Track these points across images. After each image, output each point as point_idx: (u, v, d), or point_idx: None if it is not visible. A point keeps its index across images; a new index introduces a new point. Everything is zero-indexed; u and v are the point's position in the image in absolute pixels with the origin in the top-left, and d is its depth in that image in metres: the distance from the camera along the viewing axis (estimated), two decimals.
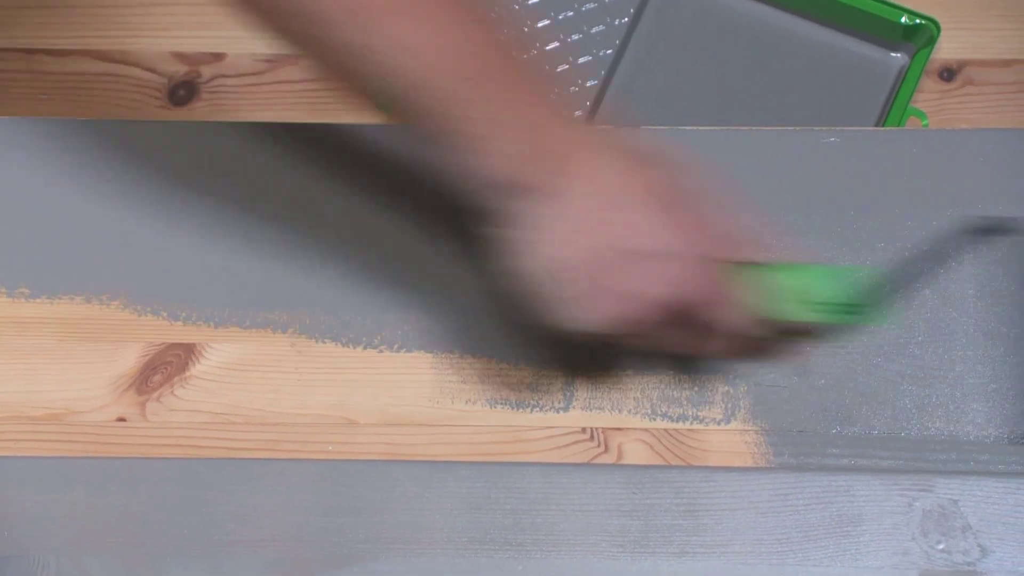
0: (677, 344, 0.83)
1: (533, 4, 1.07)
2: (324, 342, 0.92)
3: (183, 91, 1.06)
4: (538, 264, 0.79)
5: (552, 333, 0.81)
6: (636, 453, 0.89)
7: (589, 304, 0.79)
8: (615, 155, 0.78)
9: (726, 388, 0.90)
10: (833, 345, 0.90)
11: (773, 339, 0.85)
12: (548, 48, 1.07)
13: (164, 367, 0.91)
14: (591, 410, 0.91)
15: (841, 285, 0.81)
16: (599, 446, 0.90)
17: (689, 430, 0.90)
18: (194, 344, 0.92)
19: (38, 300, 0.92)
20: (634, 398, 0.91)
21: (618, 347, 0.85)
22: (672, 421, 0.90)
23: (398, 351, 0.92)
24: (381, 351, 0.92)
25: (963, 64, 1.16)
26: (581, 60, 1.07)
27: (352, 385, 0.91)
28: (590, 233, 0.78)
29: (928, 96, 1.10)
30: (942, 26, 1.19)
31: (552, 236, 0.78)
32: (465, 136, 0.77)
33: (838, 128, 0.96)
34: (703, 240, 0.79)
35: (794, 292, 0.81)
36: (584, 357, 0.90)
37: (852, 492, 0.77)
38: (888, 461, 0.88)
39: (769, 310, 0.80)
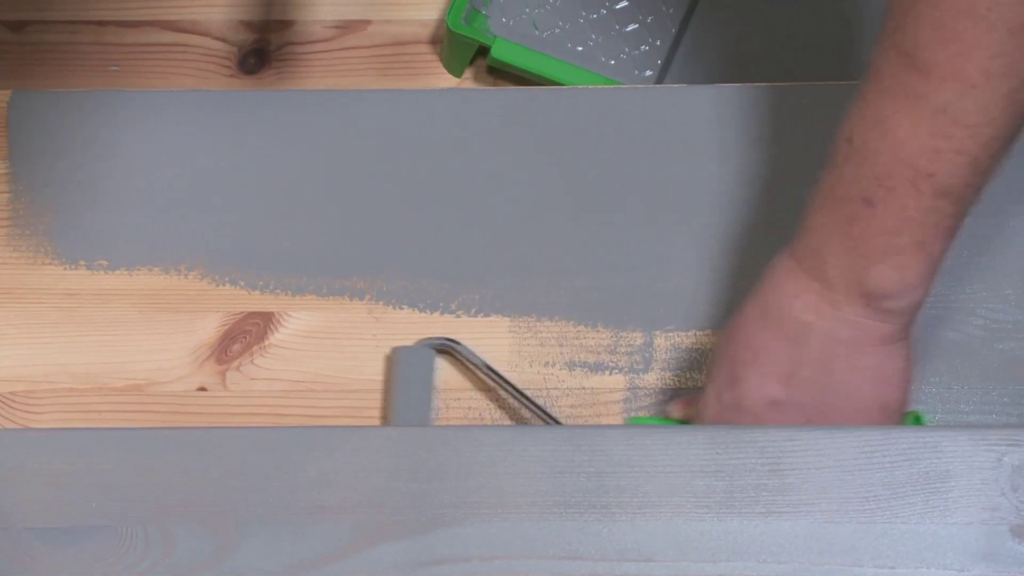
0: None
1: None
2: (401, 308, 0.92)
3: (253, 60, 1.06)
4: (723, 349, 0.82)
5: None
6: None
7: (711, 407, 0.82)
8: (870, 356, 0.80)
9: None
10: None
11: None
12: (618, 7, 1.06)
13: (243, 336, 0.91)
14: (670, 371, 0.90)
15: None
16: None
17: None
18: (272, 313, 0.92)
19: (117, 272, 0.93)
20: None
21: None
22: None
23: (475, 316, 0.92)
24: (458, 316, 0.92)
25: None
26: (651, 19, 1.06)
27: None
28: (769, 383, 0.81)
29: None
30: None
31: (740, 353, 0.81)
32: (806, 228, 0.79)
33: None
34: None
35: None
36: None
37: (939, 448, 0.76)
38: (974, 416, 0.87)
39: None
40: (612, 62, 1.05)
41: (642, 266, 0.92)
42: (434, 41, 1.07)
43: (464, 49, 1.05)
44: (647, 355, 0.91)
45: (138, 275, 0.92)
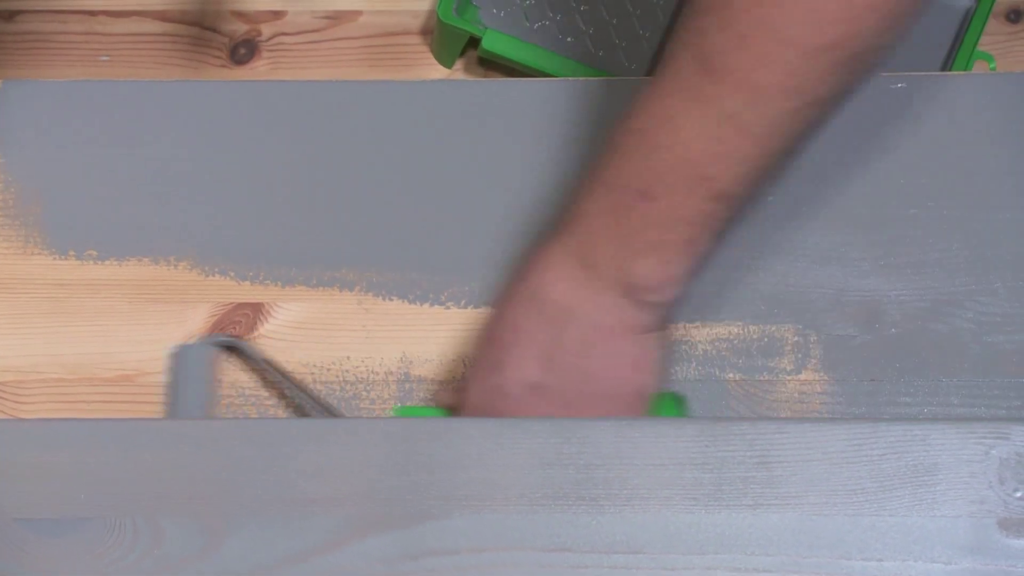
0: None
1: None
2: (391, 299, 0.92)
3: (244, 50, 1.06)
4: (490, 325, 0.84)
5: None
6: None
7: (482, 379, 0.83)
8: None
9: (796, 339, 0.90)
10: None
11: None
12: None
13: (232, 327, 0.91)
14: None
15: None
16: None
17: (759, 381, 0.89)
18: (262, 304, 0.92)
19: (107, 262, 0.92)
20: (703, 351, 0.90)
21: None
22: (742, 373, 0.90)
23: (465, 307, 0.92)
24: (448, 307, 0.92)
25: None
26: (641, 10, 1.06)
27: (420, 342, 0.91)
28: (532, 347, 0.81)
29: (994, 39, 1.08)
30: None
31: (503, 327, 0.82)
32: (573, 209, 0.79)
33: (905, 73, 0.94)
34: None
35: None
36: None
37: (927, 441, 0.76)
38: (963, 409, 0.87)
39: None
40: (603, 53, 1.05)
41: None
42: (425, 32, 1.07)
43: (455, 40, 1.05)
44: None
45: (128, 265, 0.92)
